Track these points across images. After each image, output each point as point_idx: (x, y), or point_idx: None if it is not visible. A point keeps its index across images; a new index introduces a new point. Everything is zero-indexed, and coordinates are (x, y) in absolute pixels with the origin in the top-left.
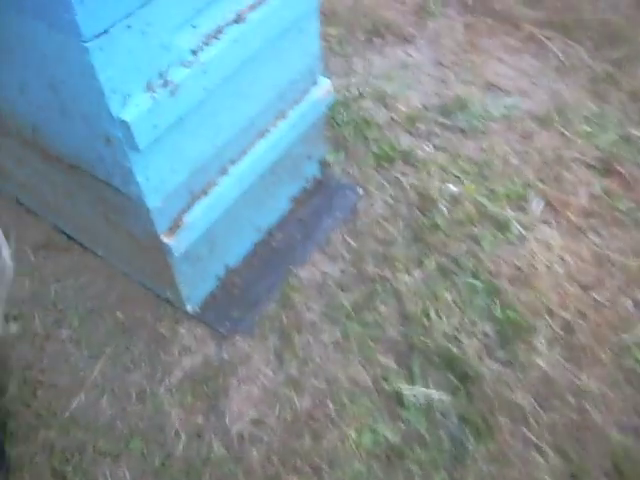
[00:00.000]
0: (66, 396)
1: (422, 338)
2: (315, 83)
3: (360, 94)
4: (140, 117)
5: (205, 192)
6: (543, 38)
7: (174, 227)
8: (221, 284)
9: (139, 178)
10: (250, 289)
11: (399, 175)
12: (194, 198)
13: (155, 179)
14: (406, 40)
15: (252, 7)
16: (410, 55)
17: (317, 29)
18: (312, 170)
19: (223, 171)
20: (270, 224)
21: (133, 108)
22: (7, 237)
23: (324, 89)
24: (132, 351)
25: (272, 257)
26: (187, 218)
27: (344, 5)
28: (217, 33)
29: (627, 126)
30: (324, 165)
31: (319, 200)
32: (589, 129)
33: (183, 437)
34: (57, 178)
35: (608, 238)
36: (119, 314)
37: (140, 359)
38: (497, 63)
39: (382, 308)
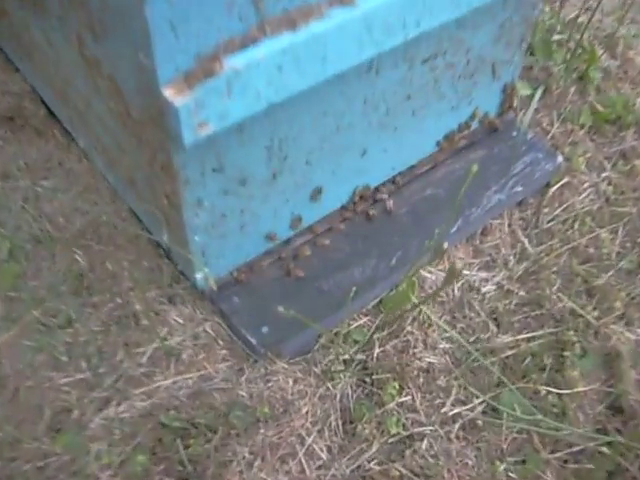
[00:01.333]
0: None
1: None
2: None
3: (582, 28)
4: None
5: (294, 20)
6: None
7: (194, 77)
8: (277, 252)
9: None
10: (327, 277)
11: (629, 152)
12: (263, 26)
13: None
14: None
15: None
16: None
17: None
18: (490, 99)
19: None
20: (396, 170)
21: None
22: None
23: None
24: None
25: (382, 231)
26: (237, 62)
27: None
28: None
29: None
30: (509, 99)
31: (487, 154)
32: None
33: None
34: None
35: None
36: (79, 258)
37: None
38: None
39: (576, 379)
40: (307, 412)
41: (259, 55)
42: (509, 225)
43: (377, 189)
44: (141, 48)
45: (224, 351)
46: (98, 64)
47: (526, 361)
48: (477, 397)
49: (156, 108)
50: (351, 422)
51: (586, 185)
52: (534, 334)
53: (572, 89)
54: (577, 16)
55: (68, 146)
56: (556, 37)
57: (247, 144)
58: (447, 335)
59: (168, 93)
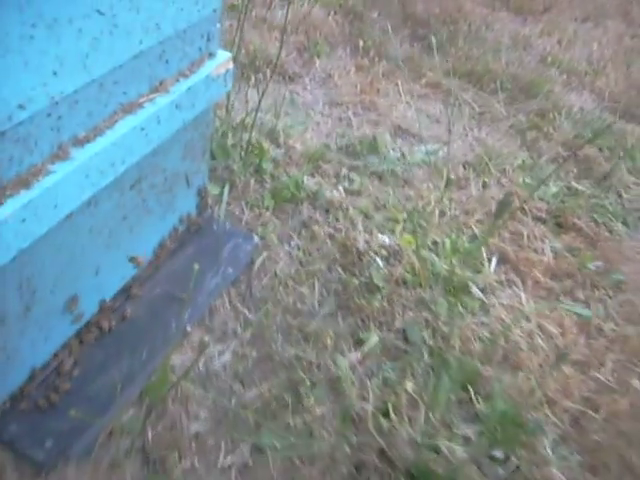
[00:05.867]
0: None
1: (378, 450)
2: (210, 53)
3: (248, 128)
4: None
5: (25, 182)
6: (450, 86)
7: None
8: (41, 374)
9: None
10: (90, 384)
11: (308, 222)
12: (3, 188)
13: None
14: (291, 78)
15: None
16: (297, 93)
17: None
18: (188, 204)
19: (62, 151)
20: (124, 280)
21: None
22: None
23: (222, 64)
24: None
25: (126, 332)
26: None
27: (227, 39)
28: None
29: (568, 179)
30: (203, 200)
31: (197, 250)
32: (528, 180)
33: None
34: None
35: (588, 303)
36: None
37: None
38: (404, 107)
39: (313, 406)
40: None
41: (6, 213)
42: (230, 301)
43: (115, 299)
44: None
45: (16, 473)
46: None
47: (272, 405)
48: (243, 443)
49: None
50: None
51: (281, 255)
52: (272, 382)
53: (252, 180)
54: (243, 119)
55: None
56: (230, 141)
57: (1, 288)
58: (205, 403)
59: None
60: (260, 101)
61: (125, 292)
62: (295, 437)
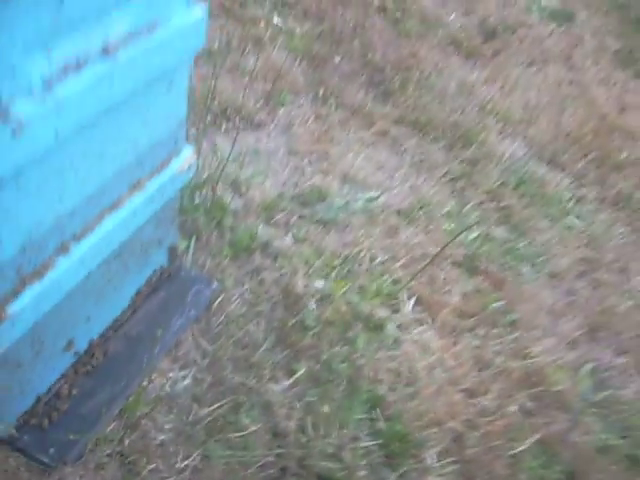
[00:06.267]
0: None
1: (299, 459)
2: (178, 153)
3: (211, 179)
4: None
5: (39, 275)
6: (397, 134)
7: None
8: (45, 398)
9: None
10: (82, 404)
11: (258, 268)
12: (23, 282)
13: None
14: (257, 126)
15: (123, 40)
16: (261, 141)
17: (186, 88)
18: (160, 258)
19: (63, 249)
20: (108, 322)
21: None
22: None
23: (186, 160)
24: None
25: (110, 364)
26: (12, 308)
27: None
28: (79, 64)
29: (487, 225)
30: (173, 253)
31: (167, 294)
32: (452, 226)
33: None
34: None
35: (485, 339)
36: None
37: None
38: (353, 155)
39: (249, 424)
40: None
41: (26, 299)
42: (192, 336)
43: (100, 338)
44: None
45: (27, 472)
46: None
47: (219, 421)
48: (196, 451)
49: None
50: None
51: (235, 297)
52: (221, 402)
53: (214, 233)
54: (211, 174)
55: None
56: (197, 199)
57: (20, 345)
58: (168, 418)
59: None
60: (229, 155)
61: (108, 331)
62: (234, 448)
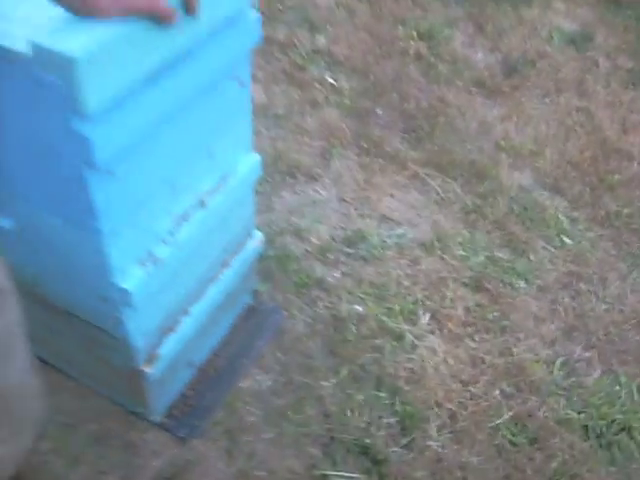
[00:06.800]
0: None
1: (341, 432)
2: (250, 236)
3: (280, 229)
4: (137, 285)
5: (172, 329)
6: (425, 176)
7: (150, 358)
8: (180, 397)
9: (129, 326)
10: (202, 400)
11: (315, 299)
12: (164, 334)
13: (141, 325)
14: (314, 179)
15: (210, 193)
16: (318, 192)
17: (252, 200)
18: (246, 299)
19: (185, 312)
20: (214, 347)
21: (131, 279)
22: None
23: (257, 240)
24: (107, 458)
25: (217, 374)
26: (160, 350)
27: (260, 149)
28: (186, 216)
29: (492, 250)
30: (255, 294)
31: (252, 323)
32: (463, 253)
33: None
34: (44, 317)
35: (480, 342)
36: (93, 426)
37: (115, 464)
38: (389, 198)
39: (308, 409)
40: None
41: (166, 345)
42: (271, 350)
43: (210, 357)
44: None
45: (172, 444)
46: (99, 357)
47: (289, 408)
48: (274, 428)
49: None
50: None
51: (299, 321)
52: (291, 396)
53: (283, 276)
54: (279, 226)
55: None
56: (270, 251)
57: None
58: (256, 407)
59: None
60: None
61: (215, 352)
62: (299, 426)
